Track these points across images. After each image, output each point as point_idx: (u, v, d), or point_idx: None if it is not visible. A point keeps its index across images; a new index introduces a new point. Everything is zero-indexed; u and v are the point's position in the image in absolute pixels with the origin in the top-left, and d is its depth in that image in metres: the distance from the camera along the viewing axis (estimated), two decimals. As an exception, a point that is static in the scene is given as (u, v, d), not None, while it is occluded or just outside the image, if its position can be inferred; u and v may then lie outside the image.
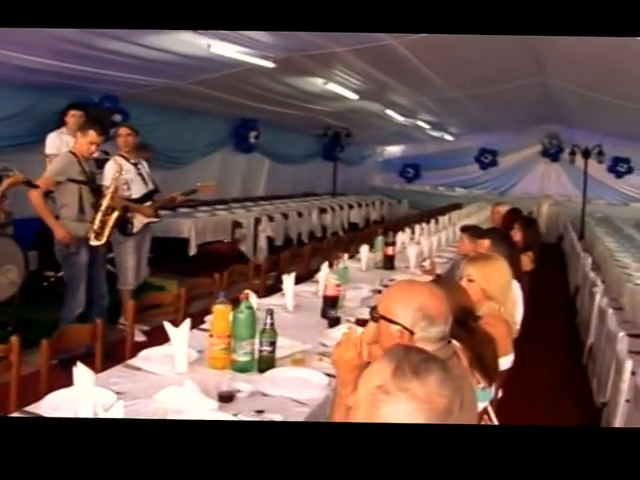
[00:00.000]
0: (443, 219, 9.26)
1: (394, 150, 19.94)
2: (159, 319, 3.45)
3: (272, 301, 3.94)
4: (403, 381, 1.34)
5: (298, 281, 4.23)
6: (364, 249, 5.33)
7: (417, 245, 5.93)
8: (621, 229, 11.45)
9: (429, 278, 3.88)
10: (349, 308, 3.88)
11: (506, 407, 2.84)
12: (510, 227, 5.64)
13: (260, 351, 2.82)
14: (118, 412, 2.00)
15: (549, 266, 10.59)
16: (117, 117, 8.82)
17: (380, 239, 5.47)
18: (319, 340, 3.24)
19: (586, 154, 14.18)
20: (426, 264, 3.98)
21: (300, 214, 10.68)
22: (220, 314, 2.82)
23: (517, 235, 5.54)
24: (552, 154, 17.67)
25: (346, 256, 4.65)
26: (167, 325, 2.87)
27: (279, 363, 2.88)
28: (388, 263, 5.35)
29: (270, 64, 7.48)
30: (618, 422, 3.27)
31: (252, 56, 7.19)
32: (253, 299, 3.23)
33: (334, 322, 3.49)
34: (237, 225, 8.66)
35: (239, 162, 12.95)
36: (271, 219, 9.49)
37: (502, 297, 3.08)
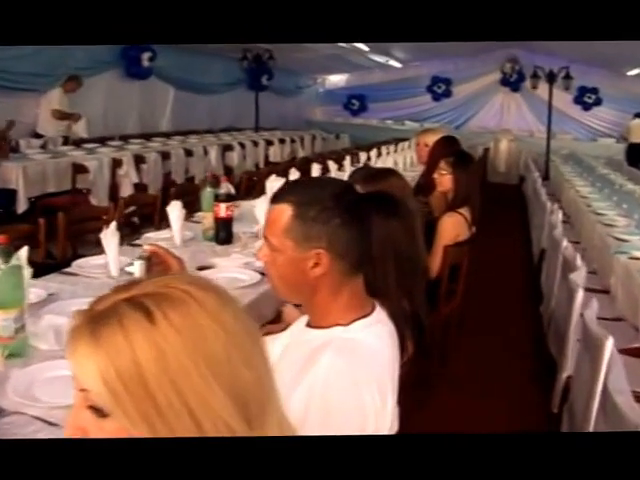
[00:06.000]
0: (368, 155, 6.99)
1: (337, 80, 17.91)
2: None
3: None
4: None
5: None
6: (173, 208, 3.04)
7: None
8: (593, 168, 9.19)
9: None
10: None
11: None
12: (433, 168, 3.44)
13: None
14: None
15: (508, 216, 8.64)
16: None
17: (208, 191, 3.09)
18: None
19: (551, 78, 11.97)
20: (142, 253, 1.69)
21: (189, 152, 8.21)
22: None
23: (445, 181, 3.34)
24: (512, 82, 16.01)
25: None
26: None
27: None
28: (222, 231, 3.04)
29: None
30: None
31: None
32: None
33: None
34: (80, 170, 6.20)
35: (132, 90, 10.56)
36: (140, 160, 7.05)
37: None
